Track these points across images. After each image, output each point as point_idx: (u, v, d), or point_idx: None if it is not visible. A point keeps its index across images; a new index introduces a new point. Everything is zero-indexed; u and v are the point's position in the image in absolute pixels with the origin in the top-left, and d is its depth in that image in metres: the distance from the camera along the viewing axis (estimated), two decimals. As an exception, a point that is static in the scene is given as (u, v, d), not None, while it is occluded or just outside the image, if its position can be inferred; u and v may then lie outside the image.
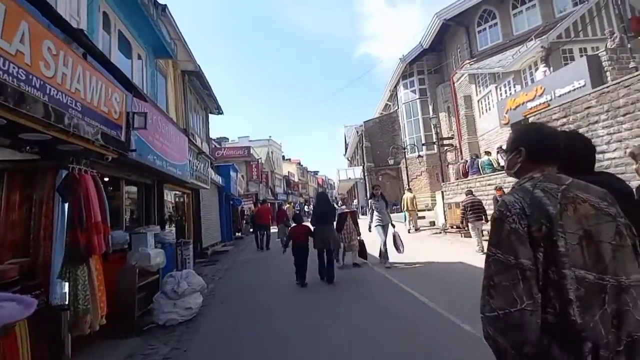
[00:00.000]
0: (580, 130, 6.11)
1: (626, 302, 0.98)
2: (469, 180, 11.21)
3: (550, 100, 10.26)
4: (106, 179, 5.24)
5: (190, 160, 7.61)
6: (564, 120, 6.47)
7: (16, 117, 2.22)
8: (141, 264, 4.37)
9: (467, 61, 19.38)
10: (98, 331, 3.39)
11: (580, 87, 9.29)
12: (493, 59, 17.57)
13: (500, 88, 16.89)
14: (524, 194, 1.08)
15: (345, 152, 42.63)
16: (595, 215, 1.05)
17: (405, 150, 20.00)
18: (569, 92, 9.59)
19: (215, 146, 21.55)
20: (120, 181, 5.50)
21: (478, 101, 18.96)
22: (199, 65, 10.33)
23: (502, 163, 9.95)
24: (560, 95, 9.97)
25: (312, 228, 6.40)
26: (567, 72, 10.42)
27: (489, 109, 17.87)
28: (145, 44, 6.69)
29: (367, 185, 28.06)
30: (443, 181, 15.83)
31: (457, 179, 12.67)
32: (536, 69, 14.27)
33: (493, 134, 17.03)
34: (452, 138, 18.70)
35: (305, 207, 35.40)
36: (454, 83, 21.21)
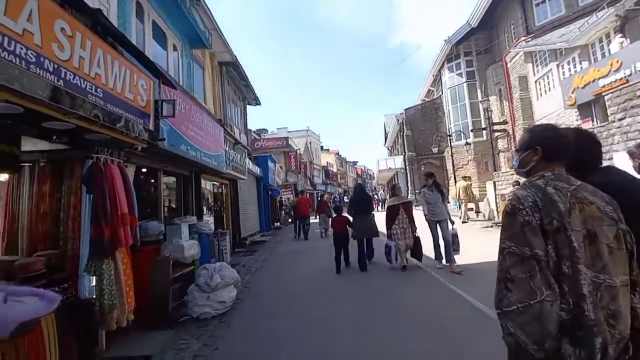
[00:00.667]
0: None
1: (619, 303, 1.03)
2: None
3: (630, 75, 8.77)
4: (144, 170, 5.29)
5: (226, 151, 7.55)
6: (653, 96, 5.38)
7: (29, 103, 2.09)
8: (175, 256, 4.30)
9: (523, 38, 17.54)
10: (133, 322, 3.34)
11: (670, 57, 7.81)
12: (554, 33, 15.69)
13: (562, 66, 15.04)
14: (536, 189, 1.11)
15: (385, 141, 41.36)
16: (600, 217, 1.08)
17: (451, 137, 18.69)
18: (655, 64, 8.12)
19: (254, 137, 21.83)
20: (158, 172, 5.52)
21: (535, 82, 17.12)
22: (235, 56, 10.25)
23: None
24: (642, 69, 8.50)
25: (350, 218, 6.58)
26: (652, 41, 8.84)
27: (549, 90, 16.07)
28: (181, 35, 6.65)
29: (408, 175, 26.98)
30: (495, 170, 14.56)
31: (512, 167, 11.47)
32: (608, 42, 12.46)
33: (554, 117, 15.28)
34: (505, 123, 17.13)
35: (345, 197, 34.91)
36: (506, 63, 19.41)
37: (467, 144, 19.27)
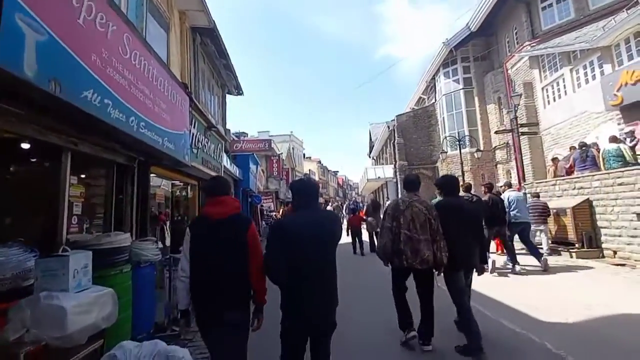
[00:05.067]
0: None
1: (421, 245, 3.13)
2: (578, 178, 8.03)
3: None
4: (25, 146, 2.84)
5: (192, 134, 5.16)
6: None
7: None
8: (39, 335, 1.85)
9: (528, 42, 16.37)
10: None
11: None
12: (565, 37, 14.52)
13: (577, 70, 13.77)
14: (395, 201, 3.48)
15: (370, 151, 39.65)
16: (419, 212, 3.21)
17: (461, 143, 17.04)
18: None
19: (233, 138, 19.31)
20: (60, 153, 3.05)
21: (542, 88, 15.86)
22: (213, 21, 7.94)
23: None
24: None
25: (365, 218, 10.07)
26: None
27: (559, 97, 14.81)
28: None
29: (399, 184, 25.22)
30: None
31: (557, 176, 9.52)
32: (637, 42, 11.25)
33: (566, 125, 13.96)
34: (536, 124, 15.63)
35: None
36: (507, 69, 18.25)
37: (477, 150, 17.70)
